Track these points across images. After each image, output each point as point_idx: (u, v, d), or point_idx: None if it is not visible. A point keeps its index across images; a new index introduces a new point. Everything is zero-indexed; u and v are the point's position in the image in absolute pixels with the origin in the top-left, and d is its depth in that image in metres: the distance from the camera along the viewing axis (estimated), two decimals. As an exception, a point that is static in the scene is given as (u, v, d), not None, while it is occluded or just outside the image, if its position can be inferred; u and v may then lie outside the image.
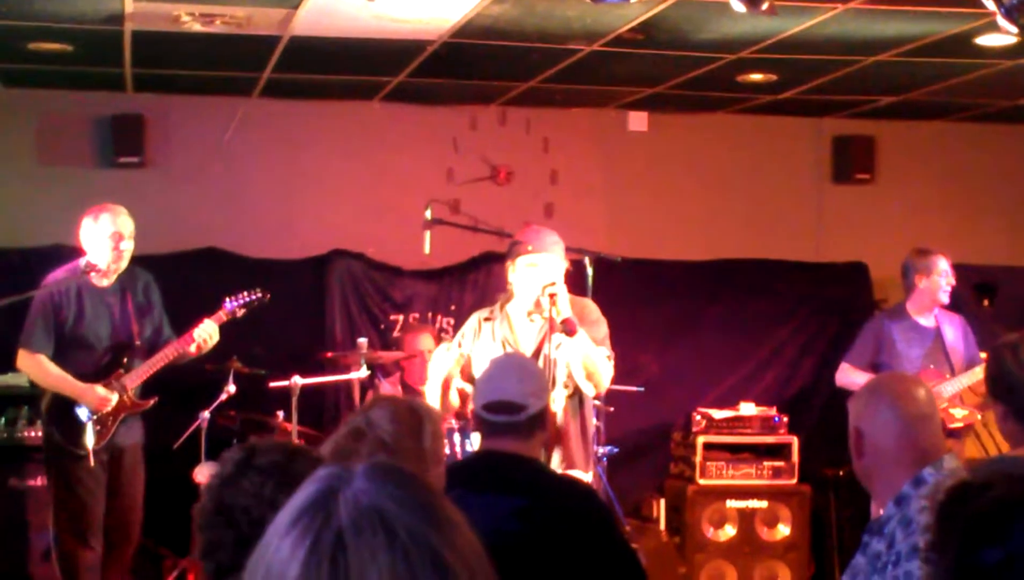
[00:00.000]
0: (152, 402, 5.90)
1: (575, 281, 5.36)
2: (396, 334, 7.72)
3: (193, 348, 5.81)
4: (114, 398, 5.73)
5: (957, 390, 6.30)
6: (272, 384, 6.44)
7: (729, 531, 7.29)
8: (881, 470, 3.04)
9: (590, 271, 5.76)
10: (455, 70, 7.03)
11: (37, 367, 5.77)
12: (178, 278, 6.62)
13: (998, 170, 8.70)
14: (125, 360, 5.82)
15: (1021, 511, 1.84)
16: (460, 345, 5.30)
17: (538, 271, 5.07)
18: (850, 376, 6.40)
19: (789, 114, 8.31)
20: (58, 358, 5.74)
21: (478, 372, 4.88)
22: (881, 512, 3.03)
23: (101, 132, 7.69)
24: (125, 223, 5.80)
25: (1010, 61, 6.51)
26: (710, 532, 7.28)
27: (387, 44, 6.35)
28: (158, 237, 6.86)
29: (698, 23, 5.87)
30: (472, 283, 7.95)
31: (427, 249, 5.99)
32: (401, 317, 7.88)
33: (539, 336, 5.08)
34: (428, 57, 6.62)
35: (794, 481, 7.37)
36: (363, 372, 6.51)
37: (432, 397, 5.26)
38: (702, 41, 6.20)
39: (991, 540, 1.96)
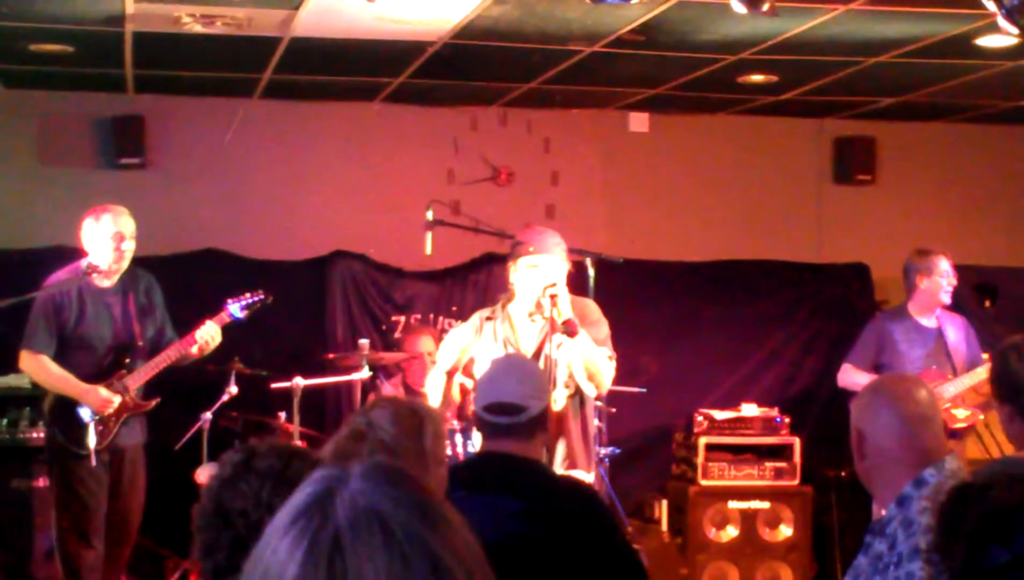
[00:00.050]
0: (154, 403, 5.90)
1: (576, 282, 5.35)
2: (397, 335, 7.72)
3: (195, 349, 5.81)
4: (116, 399, 5.73)
5: (959, 391, 6.29)
6: (274, 385, 6.45)
7: (731, 532, 7.29)
8: (883, 471, 3.04)
9: (591, 272, 5.76)
10: (456, 71, 7.03)
11: (39, 368, 5.77)
12: (179, 279, 6.62)
13: (999, 171, 8.71)
14: (127, 361, 5.82)
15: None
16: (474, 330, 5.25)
17: (539, 272, 5.07)
18: (852, 377, 6.39)
19: (790, 115, 8.31)
20: (60, 359, 5.74)
21: (479, 371, 4.88)
22: (883, 513, 3.03)
23: (102, 133, 7.69)
24: (127, 224, 5.80)
25: (1011, 62, 6.51)
26: (712, 533, 7.28)
27: (388, 45, 6.35)
28: (159, 238, 6.87)
29: (699, 24, 5.87)
30: (473, 284, 7.95)
31: (428, 250, 5.99)
32: (402, 318, 7.88)
33: (540, 336, 5.08)
34: (429, 58, 6.62)
35: (796, 482, 7.37)
36: (365, 373, 6.51)
37: (435, 386, 5.21)
38: (703, 42, 6.20)
39: (998, 542, 1.96)
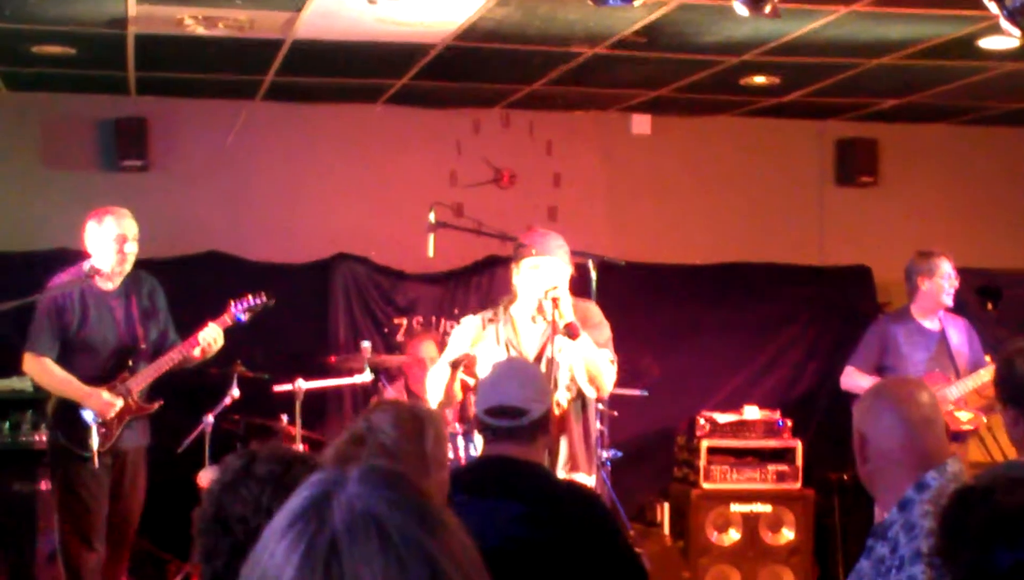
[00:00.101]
0: (157, 405, 5.90)
1: (578, 284, 5.35)
2: (400, 338, 7.72)
3: (197, 352, 5.80)
4: (118, 402, 5.73)
5: (962, 393, 6.29)
6: (276, 388, 6.45)
7: (733, 535, 7.29)
8: (884, 474, 3.03)
9: (593, 274, 5.76)
10: (458, 73, 7.03)
11: (42, 370, 5.77)
12: (181, 282, 6.62)
13: (1001, 173, 8.70)
14: (130, 363, 5.82)
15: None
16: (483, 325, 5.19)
17: (541, 274, 5.06)
18: (855, 379, 6.39)
19: (792, 117, 8.30)
20: (63, 361, 5.74)
21: (480, 372, 4.87)
22: (885, 516, 3.03)
23: (104, 135, 7.70)
24: (129, 226, 5.80)
25: (1013, 64, 6.50)
26: (714, 536, 7.28)
27: (390, 47, 6.35)
28: (161, 240, 6.87)
29: (701, 26, 5.87)
30: (476, 286, 7.94)
31: (431, 252, 5.99)
32: (405, 320, 7.88)
33: (542, 339, 5.08)
34: (431, 60, 6.62)
35: (798, 485, 7.36)
36: (367, 376, 6.51)
37: (437, 378, 5.15)
38: (705, 44, 6.20)
39: (1002, 545, 1.95)
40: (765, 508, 7.29)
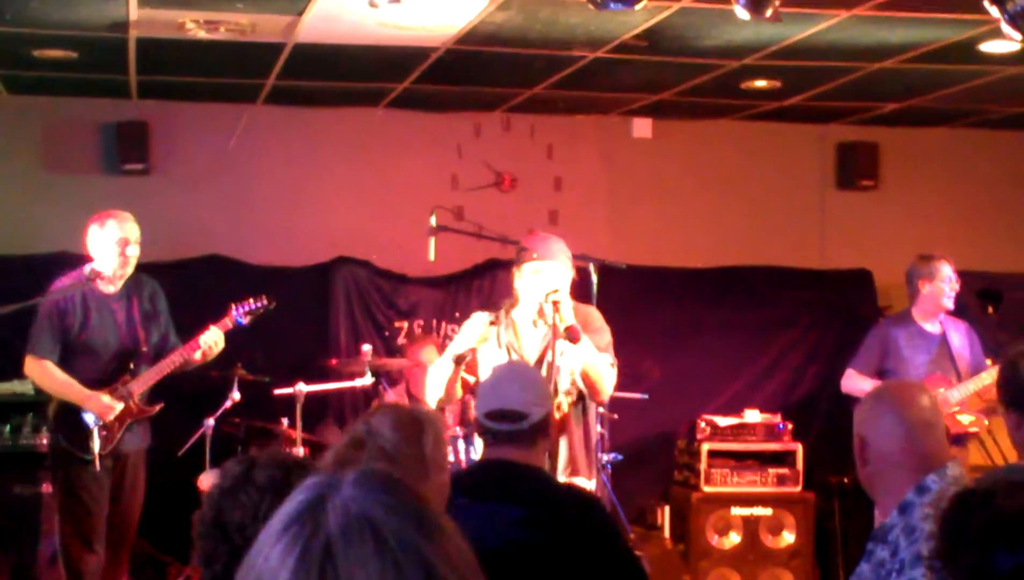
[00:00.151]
0: (158, 408, 5.90)
1: (579, 287, 5.35)
2: (400, 341, 7.72)
3: (198, 355, 5.81)
4: (119, 406, 5.73)
5: (964, 396, 6.29)
6: (277, 391, 6.45)
7: (733, 538, 7.29)
8: (885, 477, 3.03)
9: (594, 277, 5.76)
10: (459, 77, 7.03)
11: (44, 373, 5.78)
12: (183, 285, 6.62)
13: (1002, 177, 8.70)
14: (131, 366, 5.82)
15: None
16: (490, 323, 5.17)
17: (542, 278, 5.06)
18: (856, 382, 6.39)
19: (793, 121, 8.31)
20: (64, 364, 5.74)
21: (481, 375, 4.87)
22: (885, 519, 3.03)
23: (106, 139, 7.70)
24: (131, 229, 5.81)
25: (1014, 68, 6.51)
26: (714, 539, 7.28)
27: (391, 51, 6.35)
28: (163, 244, 6.88)
29: (702, 30, 5.87)
30: (477, 290, 7.94)
31: (432, 256, 5.99)
32: (406, 324, 7.88)
33: (543, 342, 5.08)
34: (432, 64, 6.63)
35: (799, 488, 7.36)
36: (367, 379, 6.51)
37: (439, 374, 5.13)
38: (706, 48, 6.21)
39: (1003, 549, 1.96)
40: (766, 511, 7.29)
